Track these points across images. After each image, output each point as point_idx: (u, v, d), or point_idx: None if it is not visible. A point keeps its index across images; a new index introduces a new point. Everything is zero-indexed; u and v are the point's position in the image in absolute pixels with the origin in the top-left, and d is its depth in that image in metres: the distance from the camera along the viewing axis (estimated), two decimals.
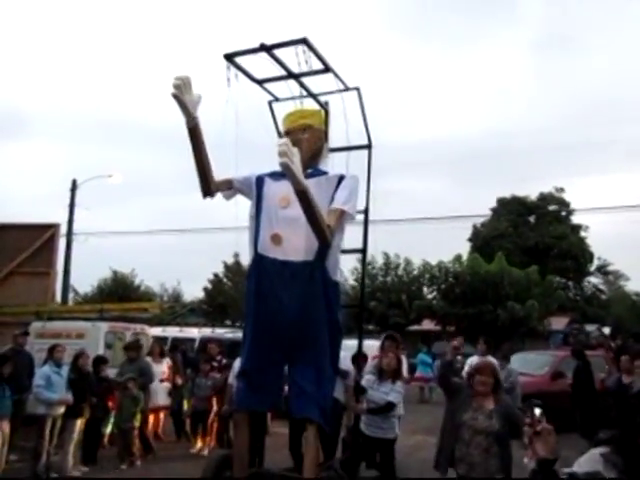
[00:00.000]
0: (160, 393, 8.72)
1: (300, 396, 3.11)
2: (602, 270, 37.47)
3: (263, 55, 3.55)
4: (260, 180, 3.36)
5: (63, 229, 17.75)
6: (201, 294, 33.02)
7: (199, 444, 8.33)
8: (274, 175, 3.30)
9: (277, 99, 4.15)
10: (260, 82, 3.97)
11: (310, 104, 3.90)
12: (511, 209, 35.48)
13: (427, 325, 26.67)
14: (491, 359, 8.68)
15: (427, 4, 66.76)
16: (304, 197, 2.79)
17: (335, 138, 3.97)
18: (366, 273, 22.79)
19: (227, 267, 30.84)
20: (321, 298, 3.13)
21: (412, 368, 15.12)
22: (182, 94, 2.91)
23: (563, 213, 35.39)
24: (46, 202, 47.64)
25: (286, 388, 3.32)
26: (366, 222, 4.12)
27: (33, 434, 7.01)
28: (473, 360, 8.82)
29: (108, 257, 38.32)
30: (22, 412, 7.24)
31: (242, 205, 3.46)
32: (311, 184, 3.01)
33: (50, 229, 13.41)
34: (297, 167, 2.68)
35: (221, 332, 15.39)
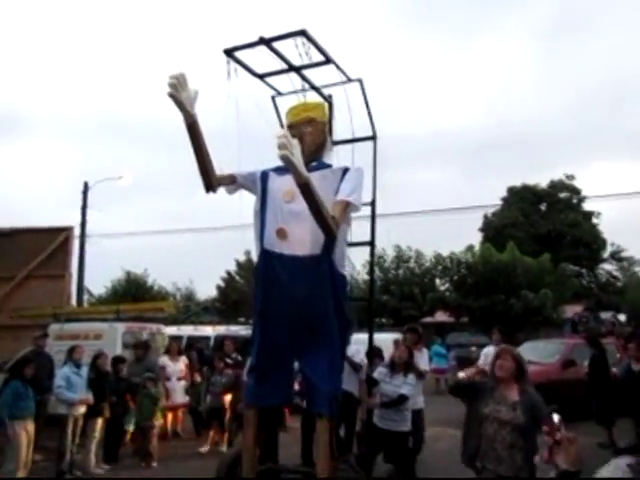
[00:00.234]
0: (178, 391, 8.84)
1: (312, 391, 3.13)
2: (616, 256, 37.11)
3: (263, 49, 3.55)
4: (265, 175, 3.37)
5: (76, 231, 18.00)
6: (214, 292, 33.26)
7: (210, 442, 8.33)
8: (278, 170, 3.29)
9: (280, 93, 4.13)
10: (261, 76, 3.95)
11: (313, 97, 3.90)
12: (522, 197, 35.29)
13: (440, 317, 26.68)
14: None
15: None
16: (306, 189, 2.78)
17: (339, 130, 3.96)
18: (378, 267, 22.90)
19: (239, 264, 30.98)
20: (328, 291, 3.13)
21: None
22: (178, 92, 2.91)
23: (574, 200, 35.15)
24: (57, 204, 48.09)
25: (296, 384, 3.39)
26: (373, 214, 4.09)
27: (55, 434, 7.14)
28: (489, 350, 8.83)
29: (121, 258, 38.63)
30: (44, 412, 7.38)
31: (247, 201, 3.47)
32: (316, 177, 3.02)
33: (64, 232, 13.57)
34: (298, 159, 2.66)
35: (236, 329, 15.50)
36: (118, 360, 7.92)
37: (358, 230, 3.88)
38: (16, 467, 6.26)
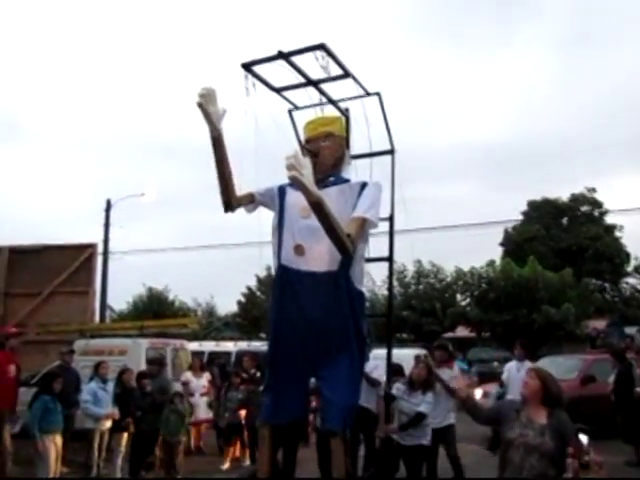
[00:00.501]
0: (201, 407, 8.92)
1: (326, 408, 3.07)
2: None
3: (281, 63, 3.52)
4: (282, 190, 3.31)
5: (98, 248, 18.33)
6: (234, 308, 33.42)
7: (229, 458, 8.32)
8: (295, 185, 3.29)
9: (297, 107, 4.08)
10: (279, 90, 3.93)
11: (330, 111, 3.84)
12: (543, 211, 35.05)
13: (461, 332, 26.49)
14: (529, 364, 8.62)
15: (450, 7, 66.71)
16: (318, 208, 2.75)
17: (357, 145, 3.89)
18: (398, 282, 22.83)
19: (260, 280, 31.13)
20: (346, 308, 3.08)
21: None
22: (207, 104, 2.95)
23: (596, 214, 34.81)
24: (78, 221, 48.84)
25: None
26: (391, 230, 4.04)
27: (81, 448, 7.26)
28: (511, 366, 8.76)
29: (142, 274, 38.96)
30: (71, 427, 7.50)
31: (265, 217, 3.41)
32: (334, 192, 3.06)
33: (88, 249, 13.86)
34: (308, 179, 2.64)
35: (257, 345, 15.59)
36: (142, 375, 8.02)
37: (377, 245, 3.82)
38: None
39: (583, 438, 3.35)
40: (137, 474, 7.56)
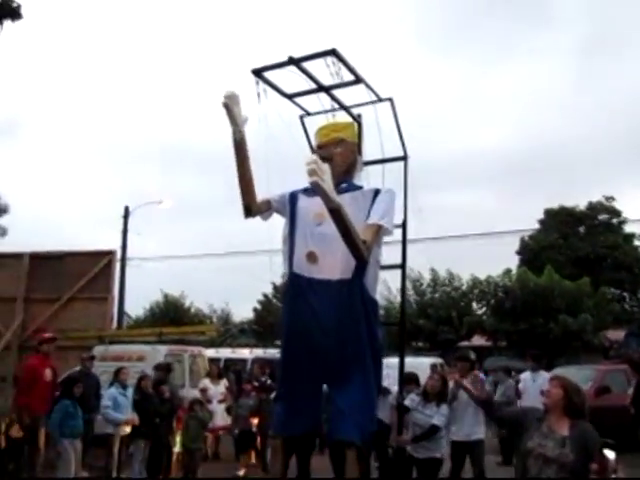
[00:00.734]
0: (218, 414, 8.99)
1: (338, 418, 2.97)
2: None
3: (292, 69, 3.47)
4: (294, 197, 3.27)
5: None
6: (249, 314, 33.56)
7: (244, 465, 8.36)
8: (307, 191, 3.19)
9: (308, 113, 4.05)
10: (290, 97, 3.87)
11: (342, 117, 3.82)
12: (560, 220, 34.81)
13: (477, 341, 26.35)
14: (544, 374, 8.58)
15: (461, 14, 66.67)
16: (337, 215, 2.73)
17: (369, 151, 3.86)
18: (414, 290, 22.74)
19: (276, 287, 31.24)
20: (360, 316, 3.02)
21: None
22: (232, 105, 2.98)
23: (615, 222, 34.49)
24: (96, 227, 49.42)
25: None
26: (404, 237, 3.99)
27: (100, 453, 7.36)
28: (527, 376, 8.74)
29: (159, 280, 39.24)
30: (91, 432, 7.61)
31: (277, 224, 3.38)
32: (346, 199, 2.98)
33: (107, 256, 14.03)
34: (328, 185, 2.64)
35: (273, 352, 15.66)
36: (160, 382, 8.11)
37: (390, 253, 3.79)
38: None
39: (609, 454, 3.25)
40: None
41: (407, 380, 5.95)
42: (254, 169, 3.24)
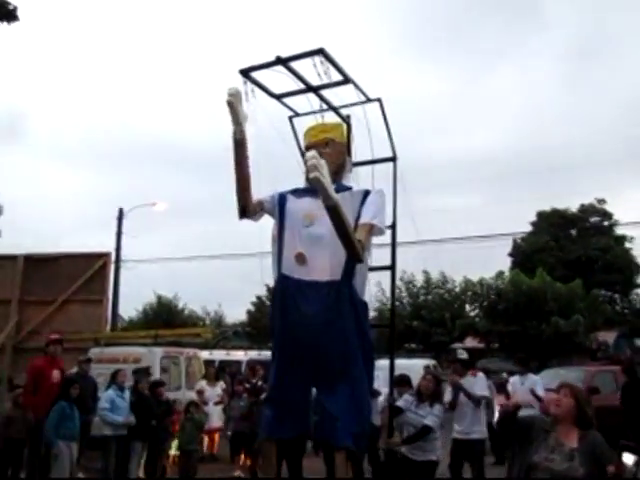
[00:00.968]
0: (214, 415, 9.05)
1: (327, 422, 2.95)
2: None
3: (280, 69, 3.43)
4: (282, 198, 3.24)
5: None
6: (242, 316, 33.60)
7: (239, 466, 8.38)
8: (296, 192, 3.22)
9: (297, 114, 4.00)
10: (278, 97, 3.82)
11: (331, 118, 3.75)
12: (552, 222, 35.05)
13: (470, 343, 26.49)
14: (532, 377, 8.65)
15: (453, 16, 66.98)
16: (335, 212, 2.71)
17: (359, 152, 3.80)
18: (407, 292, 22.79)
19: (269, 289, 31.22)
20: (349, 318, 2.98)
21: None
22: (236, 103, 2.95)
23: (606, 224, 34.77)
24: (90, 228, 49.27)
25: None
26: (394, 238, 3.92)
27: (97, 455, 7.39)
28: (515, 380, 8.78)
29: (152, 282, 39.14)
30: (87, 433, 7.64)
31: (266, 226, 3.33)
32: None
33: (102, 258, 13.99)
34: (328, 181, 2.62)
35: (268, 354, 15.68)
36: (157, 384, 8.17)
37: (385, 255, 3.80)
38: None
39: (628, 457, 3.11)
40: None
41: (400, 382, 5.97)
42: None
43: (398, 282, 24.48)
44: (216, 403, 9.12)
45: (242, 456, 8.45)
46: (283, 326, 3.08)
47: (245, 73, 3.45)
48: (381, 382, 6.20)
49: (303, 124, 3.67)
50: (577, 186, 49.84)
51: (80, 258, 13.89)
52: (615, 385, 10.18)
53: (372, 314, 3.79)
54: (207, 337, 13.62)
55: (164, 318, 30.39)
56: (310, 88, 3.63)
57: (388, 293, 4.38)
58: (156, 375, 9.25)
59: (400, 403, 5.49)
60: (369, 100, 3.84)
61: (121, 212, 22.08)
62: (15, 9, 9.29)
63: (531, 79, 60.79)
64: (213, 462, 9.21)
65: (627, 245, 34.03)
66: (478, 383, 6.33)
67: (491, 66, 67.10)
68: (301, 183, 3.31)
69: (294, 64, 3.43)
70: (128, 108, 69.98)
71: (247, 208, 3.17)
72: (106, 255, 14.24)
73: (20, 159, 62.78)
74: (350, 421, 2.90)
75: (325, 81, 3.47)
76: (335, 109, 3.81)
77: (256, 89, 3.52)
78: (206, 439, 9.15)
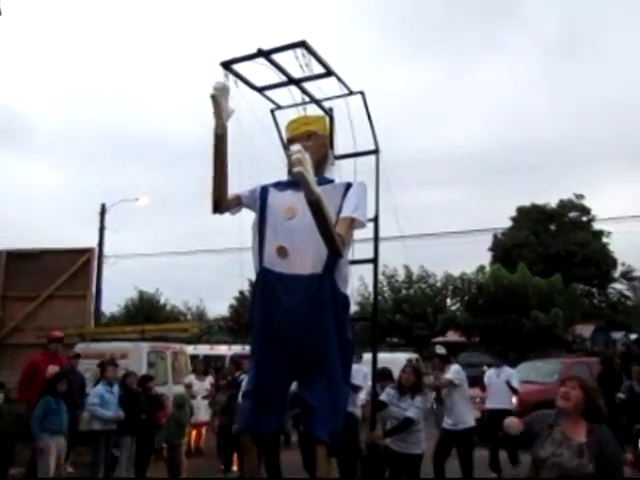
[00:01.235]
0: (202, 409, 9.15)
1: (309, 414, 2.96)
2: (627, 276, 37.13)
3: (262, 61, 3.41)
4: (264, 191, 3.22)
5: None
6: (224, 311, 33.61)
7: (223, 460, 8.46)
8: (278, 185, 3.20)
9: (279, 107, 3.98)
10: (260, 90, 3.80)
11: (314, 110, 3.73)
12: (531, 217, 35.53)
13: (451, 336, 26.81)
14: (508, 370, 8.85)
15: (433, 14, 67.33)
16: (317, 207, 2.70)
17: (342, 145, 3.79)
18: (389, 286, 22.90)
19: (252, 284, 31.25)
20: (330, 311, 2.98)
21: None
22: (220, 98, 2.97)
23: (584, 218, 35.33)
24: (72, 223, 48.86)
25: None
26: (376, 231, 3.89)
27: (85, 450, 7.44)
28: (491, 372, 8.95)
29: (134, 277, 38.98)
30: (76, 429, 7.69)
31: (246, 220, 3.29)
32: None
33: (86, 253, 13.95)
34: (311, 176, 2.62)
35: None
36: (147, 378, 8.23)
37: (364, 248, 3.77)
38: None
39: None
40: (142, 475, 7.78)
41: (381, 376, 6.01)
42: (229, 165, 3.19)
43: (380, 277, 24.50)
44: (204, 397, 9.21)
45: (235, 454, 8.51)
46: (263, 319, 3.06)
47: (226, 65, 3.43)
48: (361, 376, 6.32)
49: (285, 117, 3.65)
50: (556, 181, 50.54)
51: (64, 254, 13.84)
52: (590, 376, 10.47)
53: (354, 308, 3.73)
54: (194, 332, 13.67)
55: (145, 313, 30.30)
56: (292, 81, 3.62)
57: (370, 287, 4.38)
58: (143, 370, 9.31)
59: (382, 397, 5.53)
60: (352, 93, 3.82)
61: (103, 207, 21.98)
62: None
63: (512, 75, 61.43)
64: (200, 456, 9.28)
65: (604, 240, 34.64)
66: (448, 372, 6.48)
67: (473, 62, 67.60)
68: (283, 176, 3.31)
69: (276, 56, 3.42)
70: (109, 103, 69.27)
71: (220, 202, 3.17)
72: (89, 251, 14.20)
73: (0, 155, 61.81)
74: (327, 415, 2.92)
75: (307, 74, 3.47)
76: (317, 102, 3.80)
77: (238, 82, 3.51)
78: (194, 433, 9.22)
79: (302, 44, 3.27)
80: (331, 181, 3.22)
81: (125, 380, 7.76)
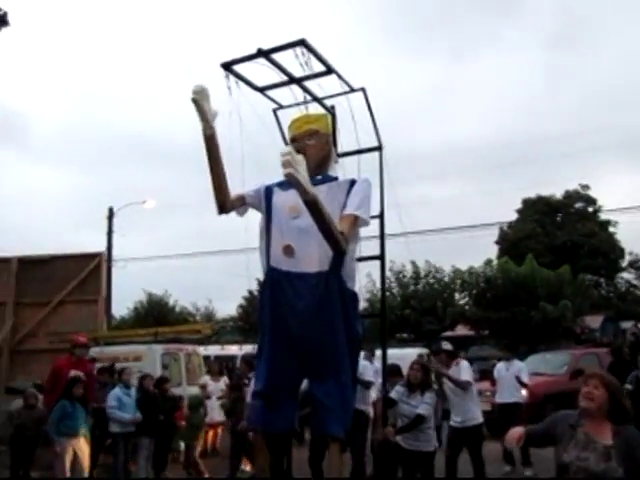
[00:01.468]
0: (216, 410, 9.22)
1: (321, 411, 2.98)
2: (635, 265, 36.98)
3: (263, 61, 3.41)
4: (269, 190, 3.24)
5: None
6: (233, 312, 33.70)
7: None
8: (282, 184, 3.17)
9: (281, 106, 3.98)
10: (262, 90, 3.80)
11: (316, 109, 3.73)
12: (537, 209, 35.45)
13: (461, 330, 26.82)
14: (517, 363, 8.83)
15: (433, 8, 67.19)
16: (314, 206, 2.72)
17: (345, 142, 3.78)
18: (397, 282, 22.83)
19: (260, 283, 31.28)
20: (338, 309, 2.99)
21: None
22: (201, 100, 2.96)
23: (590, 210, 35.24)
24: (80, 228, 49.04)
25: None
26: (382, 227, 3.89)
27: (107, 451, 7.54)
28: (501, 366, 8.90)
29: (143, 280, 39.12)
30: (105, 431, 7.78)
31: (253, 220, 3.31)
32: (323, 190, 2.96)
33: (96, 258, 14.07)
34: (303, 176, 2.62)
35: None
36: (163, 380, 8.31)
37: (370, 244, 3.79)
38: None
39: None
40: (160, 475, 7.88)
41: (391, 372, 5.98)
42: (228, 164, 3.19)
43: (388, 273, 24.48)
44: (219, 398, 9.28)
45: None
46: (272, 318, 3.08)
47: (227, 67, 3.43)
48: (371, 373, 6.29)
49: (288, 116, 3.64)
50: (561, 173, 50.38)
51: (74, 259, 13.95)
52: (599, 366, 10.50)
53: (363, 305, 3.70)
54: (207, 333, 13.76)
55: (155, 315, 30.44)
56: (293, 80, 3.62)
57: (378, 284, 4.41)
58: (157, 372, 9.40)
59: (392, 395, 5.52)
60: (353, 90, 3.82)
61: (111, 211, 22.10)
62: (5, 14, 9.33)
63: (514, 68, 61.22)
64: (216, 457, 9.36)
65: (611, 230, 34.54)
66: (462, 370, 6.39)
67: (474, 55, 67.44)
68: None
69: (276, 56, 3.42)
70: (115, 105, 69.44)
71: (224, 204, 3.17)
72: (99, 255, 14.31)
73: (7, 159, 62.10)
74: (341, 412, 2.96)
75: (308, 72, 3.46)
76: (319, 100, 3.80)
77: (239, 82, 3.50)
78: (210, 433, 9.31)
79: (302, 42, 3.27)
80: (335, 179, 3.25)
81: (142, 382, 7.86)
